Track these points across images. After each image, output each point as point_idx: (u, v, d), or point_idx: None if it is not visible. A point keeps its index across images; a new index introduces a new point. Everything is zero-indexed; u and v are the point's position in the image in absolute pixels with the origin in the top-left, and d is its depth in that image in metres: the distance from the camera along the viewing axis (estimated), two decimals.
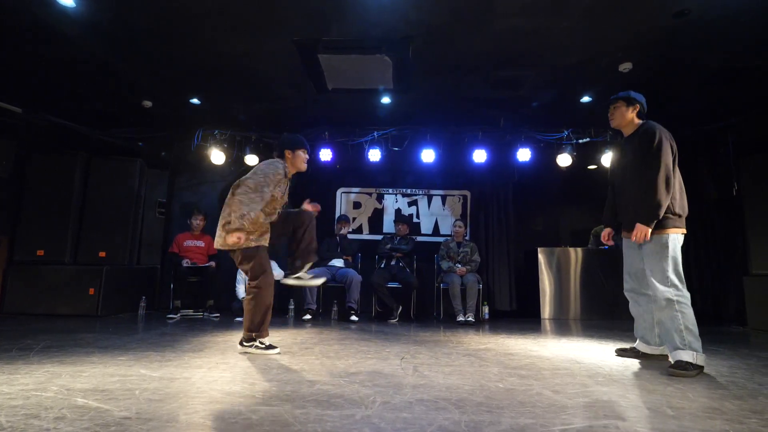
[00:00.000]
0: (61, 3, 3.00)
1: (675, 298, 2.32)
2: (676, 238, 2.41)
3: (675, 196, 2.41)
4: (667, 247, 2.38)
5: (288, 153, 2.80)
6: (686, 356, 2.26)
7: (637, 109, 2.63)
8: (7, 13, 3.12)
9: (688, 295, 2.36)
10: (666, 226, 2.39)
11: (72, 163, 4.77)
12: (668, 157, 2.39)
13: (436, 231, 5.90)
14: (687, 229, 2.49)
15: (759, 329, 4.05)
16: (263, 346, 2.66)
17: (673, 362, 2.31)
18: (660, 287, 2.36)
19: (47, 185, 4.71)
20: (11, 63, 3.86)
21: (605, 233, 2.84)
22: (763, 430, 1.45)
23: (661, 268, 2.37)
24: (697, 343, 2.29)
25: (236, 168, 5.66)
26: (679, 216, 2.43)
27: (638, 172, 2.48)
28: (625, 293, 2.76)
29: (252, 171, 2.66)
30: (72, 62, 3.83)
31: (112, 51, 3.67)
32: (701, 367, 2.26)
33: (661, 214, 2.36)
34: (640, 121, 2.64)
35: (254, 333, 2.67)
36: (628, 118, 2.63)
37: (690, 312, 2.32)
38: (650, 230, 2.37)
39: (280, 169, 2.68)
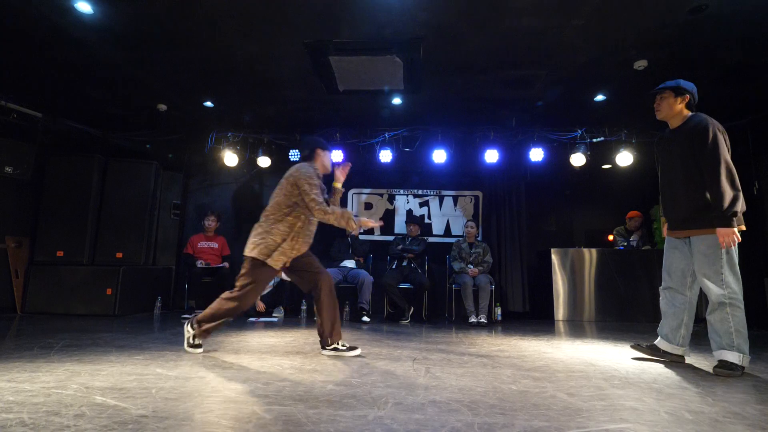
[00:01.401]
0: (79, 10, 3.08)
1: (728, 300, 2.26)
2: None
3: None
4: (719, 247, 2.28)
5: (319, 151, 2.86)
6: (732, 357, 2.24)
7: (687, 100, 2.47)
8: (28, 20, 3.21)
9: (741, 296, 2.27)
10: (716, 225, 2.28)
11: (89, 166, 4.88)
12: (725, 151, 2.28)
13: (447, 232, 5.88)
14: None
15: None
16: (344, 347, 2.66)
17: (717, 362, 2.29)
18: (713, 289, 2.28)
19: (66, 187, 4.83)
20: (31, 69, 3.97)
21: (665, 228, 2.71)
22: None
23: (714, 270, 2.29)
24: (746, 346, 2.25)
25: (249, 170, 5.73)
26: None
27: (690, 169, 2.37)
28: (661, 291, 2.66)
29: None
30: (89, 67, 3.92)
31: (128, 56, 3.74)
32: (743, 368, 2.25)
33: (738, 209, 2.22)
34: (689, 113, 2.49)
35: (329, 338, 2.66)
36: (676, 109, 2.48)
37: (742, 314, 2.26)
38: (735, 230, 2.21)
39: (311, 171, 2.69)
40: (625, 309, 4.86)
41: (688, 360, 2.60)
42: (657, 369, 2.40)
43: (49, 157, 4.91)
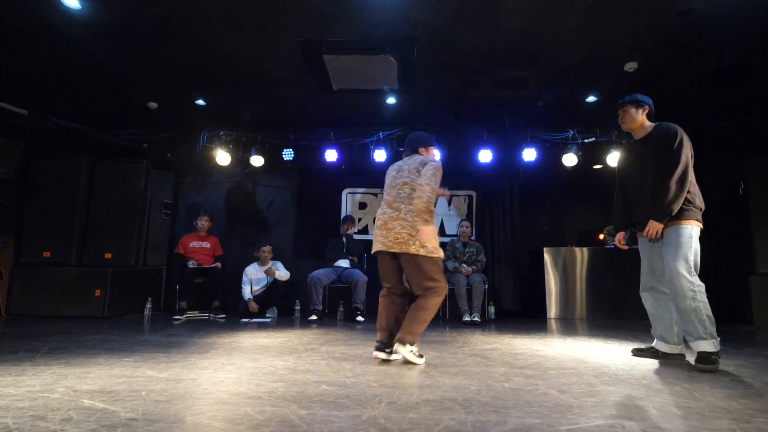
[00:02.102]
0: (66, 5, 3.02)
1: (696, 288, 2.38)
2: (697, 230, 2.47)
3: (696, 191, 2.49)
4: (692, 237, 2.43)
5: (422, 150, 2.73)
6: (708, 346, 2.33)
7: (646, 111, 2.68)
8: (13, 15, 3.15)
9: (703, 284, 2.41)
10: (689, 218, 2.45)
11: (77, 165, 4.80)
12: (688, 155, 2.46)
13: (441, 231, 5.88)
14: None
15: (765, 328, 4.02)
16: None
17: (696, 355, 2.36)
18: (685, 277, 2.38)
19: (53, 187, 4.75)
20: (17, 65, 3.89)
21: (619, 237, 2.85)
22: None
23: (687, 258, 2.41)
24: (714, 329, 2.37)
25: (242, 169, 5.69)
26: (700, 209, 2.49)
27: (658, 171, 2.52)
28: (642, 293, 2.75)
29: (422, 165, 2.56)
30: (77, 64, 3.86)
31: (117, 52, 3.69)
32: (719, 352, 2.35)
33: (675, 210, 2.42)
34: (651, 123, 2.68)
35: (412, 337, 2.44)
36: (638, 120, 2.68)
37: (707, 301, 2.39)
38: (662, 227, 2.43)
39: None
40: (615, 307, 4.92)
41: (687, 357, 2.63)
42: (646, 366, 2.43)
43: (34, 156, 4.82)
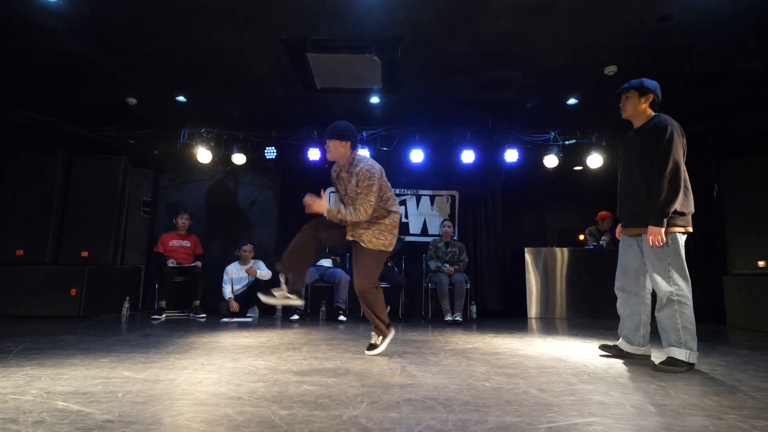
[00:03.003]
0: None
1: (675, 297, 2.31)
2: (679, 236, 2.36)
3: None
4: (670, 244, 2.34)
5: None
6: (679, 354, 2.28)
7: (650, 99, 2.49)
8: None
9: (689, 294, 2.33)
10: (669, 224, 2.33)
11: (53, 161, 4.66)
12: (678, 152, 2.32)
13: (424, 231, 5.91)
14: None
15: (737, 327, 4.15)
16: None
17: (665, 358, 2.34)
18: (661, 286, 2.34)
19: (27, 184, 4.60)
20: None
21: (618, 230, 2.73)
22: (740, 426, 1.48)
23: (664, 266, 2.35)
24: (693, 342, 2.30)
25: (223, 167, 5.60)
26: (683, 214, 2.36)
27: (645, 167, 2.42)
28: (616, 291, 2.71)
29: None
30: (53, 57, 3.74)
31: (96, 46, 3.59)
32: (692, 365, 2.30)
33: (671, 212, 2.28)
34: (653, 113, 2.52)
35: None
36: (640, 108, 2.50)
37: (689, 311, 2.31)
38: (663, 230, 2.28)
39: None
40: (594, 306, 5.02)
41: (652, 357, 2.67)
42: (623, 365, 2.49)
43: (8, 152, 4.66)
